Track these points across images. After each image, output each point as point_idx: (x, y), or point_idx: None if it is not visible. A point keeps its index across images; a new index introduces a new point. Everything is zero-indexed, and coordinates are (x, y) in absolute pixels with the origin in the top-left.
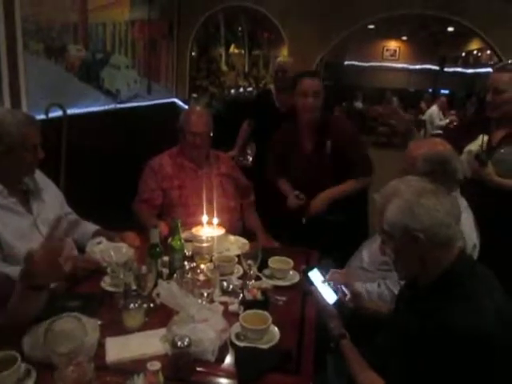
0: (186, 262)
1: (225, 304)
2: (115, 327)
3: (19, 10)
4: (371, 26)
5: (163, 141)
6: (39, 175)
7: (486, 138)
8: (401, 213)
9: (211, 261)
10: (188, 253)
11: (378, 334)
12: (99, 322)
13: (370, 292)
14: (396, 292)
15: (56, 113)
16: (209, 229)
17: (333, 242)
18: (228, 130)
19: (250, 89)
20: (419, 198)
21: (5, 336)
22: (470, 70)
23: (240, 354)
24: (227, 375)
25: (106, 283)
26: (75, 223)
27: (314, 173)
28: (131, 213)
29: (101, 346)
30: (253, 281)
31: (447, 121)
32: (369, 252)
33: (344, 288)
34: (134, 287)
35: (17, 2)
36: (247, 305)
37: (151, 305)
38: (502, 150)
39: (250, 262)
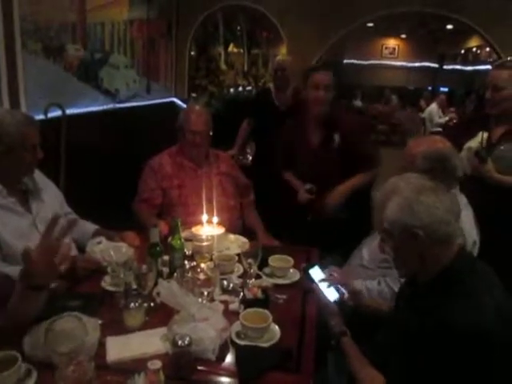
0: (186, 261)
1: (225, 303)
2: (116, 326)
3: (17, 9)
4: (370, 24)
5: (162, 140)
6: (38, 175)
7: (485, 134)
8: (400, 210)
9: (211, 260)
10: (188, 252)
11: (378, 331)
12: (100, 322)
13: (370, 290)
14: (396, 289)
15: (55, 113)
16: (209, 228)
17: (336, 240)
18: (227, 129)
19: (249, 88)
20: (419, 195)
21: (5, 336)
22: (469, 68)
23: (240, 352)
24: (228, 374)
25: (107, 283)
26: (75, 223)
27: (321, 167)
28: (131, 212)
29: (101, 345)
30: (253, 279)
31: (447, 118)
32: (369, 250)
33: (342, 288)
34: (134, 286)
35: (15, 1)
36: (247, 303)
37: (152, 304)
38: (502, 147)
39: (250, 260)
